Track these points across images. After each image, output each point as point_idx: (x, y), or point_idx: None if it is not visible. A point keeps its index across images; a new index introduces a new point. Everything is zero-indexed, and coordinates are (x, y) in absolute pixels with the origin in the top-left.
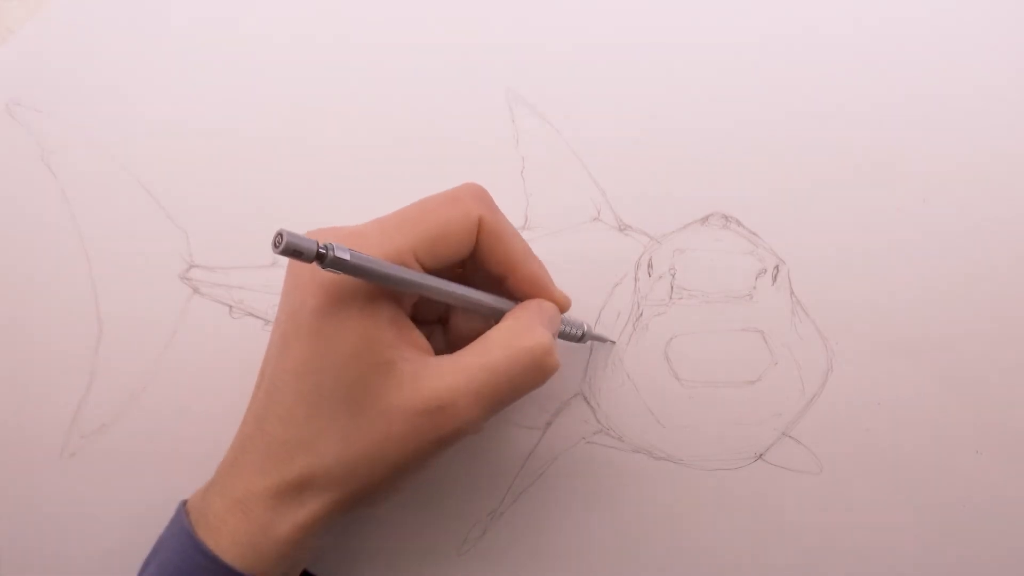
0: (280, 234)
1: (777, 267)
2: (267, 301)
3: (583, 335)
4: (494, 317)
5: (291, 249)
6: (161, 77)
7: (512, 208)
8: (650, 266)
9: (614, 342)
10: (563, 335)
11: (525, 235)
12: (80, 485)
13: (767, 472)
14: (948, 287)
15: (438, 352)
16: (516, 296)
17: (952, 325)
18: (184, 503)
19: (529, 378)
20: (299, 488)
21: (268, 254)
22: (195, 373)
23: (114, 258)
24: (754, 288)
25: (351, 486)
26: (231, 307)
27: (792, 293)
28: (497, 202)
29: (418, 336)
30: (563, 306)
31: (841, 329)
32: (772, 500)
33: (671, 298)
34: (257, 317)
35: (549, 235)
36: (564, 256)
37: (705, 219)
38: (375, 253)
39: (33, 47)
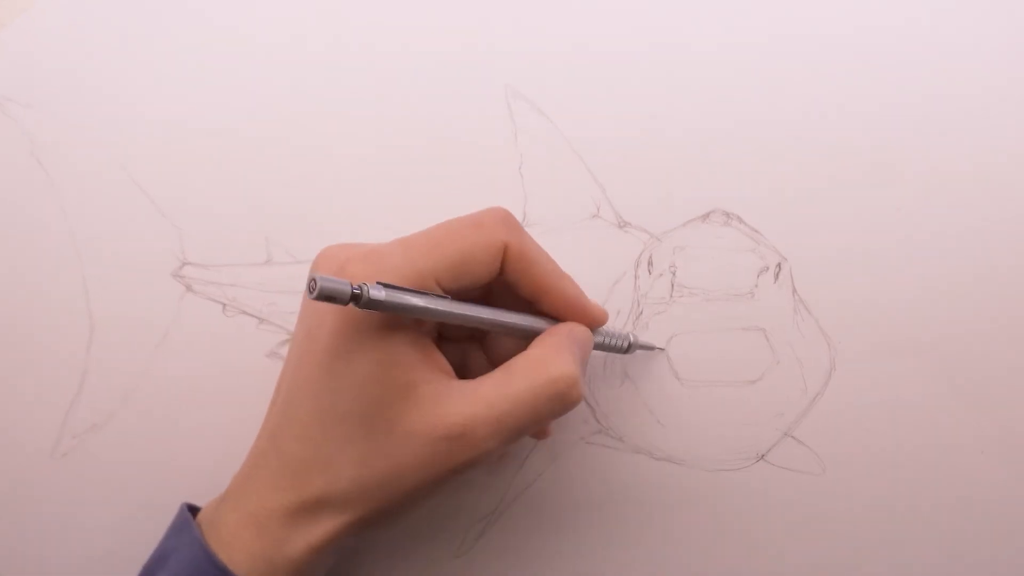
0: (314, 279)
1: (779, 265)
2: (261, 299)
3: (629, 346)
4: (530, 336)
5: (326, 294)
6: (155, 73)
7: (510, 205)
8: (650, 264)
9: (662, 349)
10: (606, 347)
11: None
12: (72, 486)
13: (769, 473)
14: (953, 285)
15: (473, 370)
16: (550, 316)
17: (957, 324)
18: (188, 508)
19: (551, 409)
20: (315, 507)
21: (262, 251)
22: (188, 372)
23: (106, 256)
24: (756, 286)
25: (366, 508)
26: (224, 305)
27: (794, 291)
28: (495, 199)
29: (440, 358)
30: (599, 321)
31: (844, 328)
32: (774, 501)
33: (671, 296)
34: (251, 315)
35: (548, 232)
36: (563, 254)
37: (706, 216)
38: (397, 276)
39: (25, 42)
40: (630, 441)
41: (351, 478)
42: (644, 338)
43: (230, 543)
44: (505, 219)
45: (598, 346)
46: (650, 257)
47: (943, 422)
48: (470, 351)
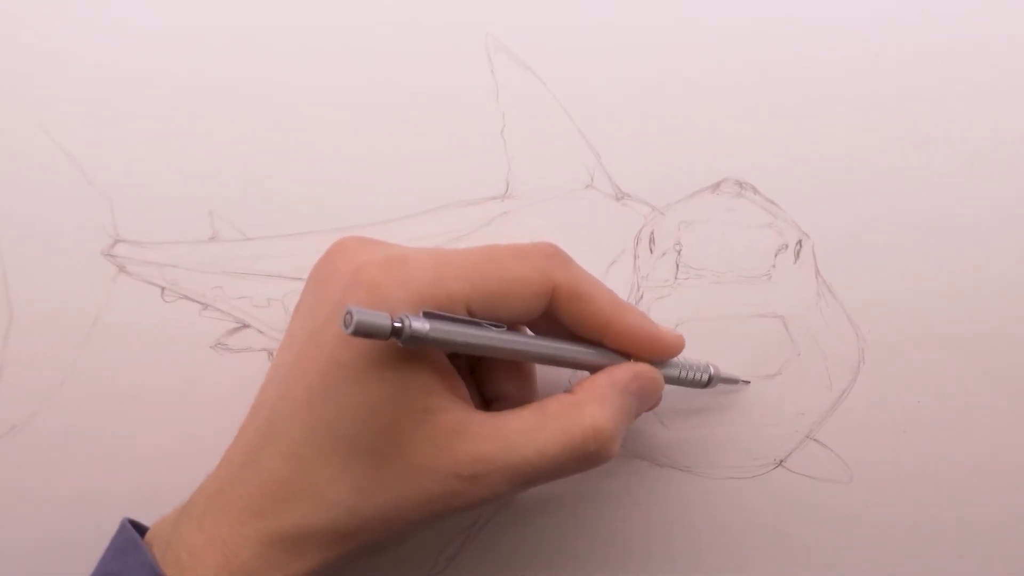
0: (349, 313)
1: (800, 242)
2: (204, 281)
3: (710, 379)
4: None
5: (363, 330)
6: (82, 22)
7: (491, 174)
8: (652, 241)
9: (748, 382)
10: (680, 381)
11: (505, 205)
12: None
13: (788, 481)
14: (1000, 268)
15: (497, 391)
16: (618, 352)
17: (1003, 312)
18: (130, 524)
19: (576, 466)
20: (296, 538)
21: (206, 226)
22: (121, 366)
23: (25, 231)
24: (773, 267)
25: (358, 542)
26: (163, 289)
27: (817, 272)
28: (472, 166)
29: (460, 384)
30: (672, 352)
31: (874, 315)
32: (794, 513)
33: (676, 278)
34: (193, 301)
35: (534, 205)
36: (552, 230)
37: (716, 186)
38: (426, 296)
39: None
40: (629, 445)
41: (347, 509)
42: (727, 370)
43: (191, 568)
44: (554, 254)
45: (672, 380)
46: (652, 233)
47: (986, 423)
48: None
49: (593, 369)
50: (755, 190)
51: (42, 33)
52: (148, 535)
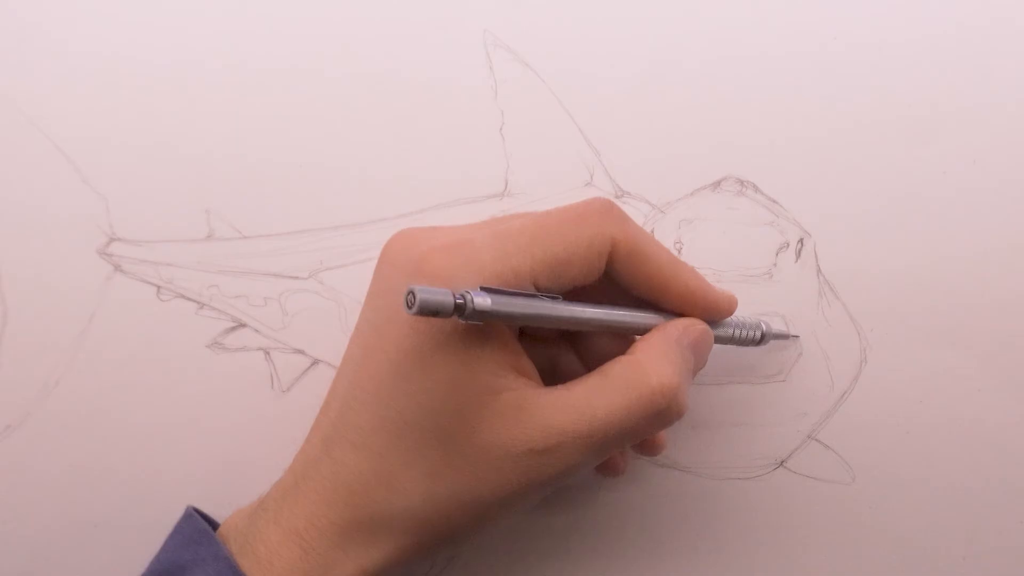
0: (412, 292)
1: (801, 241)
2: (201, 280)
3: (763, 336)
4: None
5: (429, 309)
6: (79, 18)
7: (490, 172)
8: None
9: (797, 336)
10: (734, 340)
11: (504, 204)
12: None
13: (790, 482)
14: (1001, 266)
15: (564, 375)
16: (668, 312)
17: (1007, 309)
18: (195, 513)
19: (648, 425)
20: (372, 528)
21: (202, 225)
22: (117, 365)
23: (20, 229)
24: (774, 265)
25: (434, 529)
26: (159, 288)
27: (819, 271)
28: (471, 164)
29: (527, 363)
30: (727, 312)
31: (877, 313)
32: (796, 514)
33: None
34: (189, 300)
35: (533, 203)
36: None
37: (717, 184)
38: (491, 275)
39: None
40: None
41: (421, 495)
42: (778, 325)
43: (269, 563)
44: (609, 210)
45: (723, 340)
46: (652, 232)
47: (992, 423)
48: (560, 353)
49: (644, 331)
50: (756, 188)
51: (37, 30)
52: (223, 527)
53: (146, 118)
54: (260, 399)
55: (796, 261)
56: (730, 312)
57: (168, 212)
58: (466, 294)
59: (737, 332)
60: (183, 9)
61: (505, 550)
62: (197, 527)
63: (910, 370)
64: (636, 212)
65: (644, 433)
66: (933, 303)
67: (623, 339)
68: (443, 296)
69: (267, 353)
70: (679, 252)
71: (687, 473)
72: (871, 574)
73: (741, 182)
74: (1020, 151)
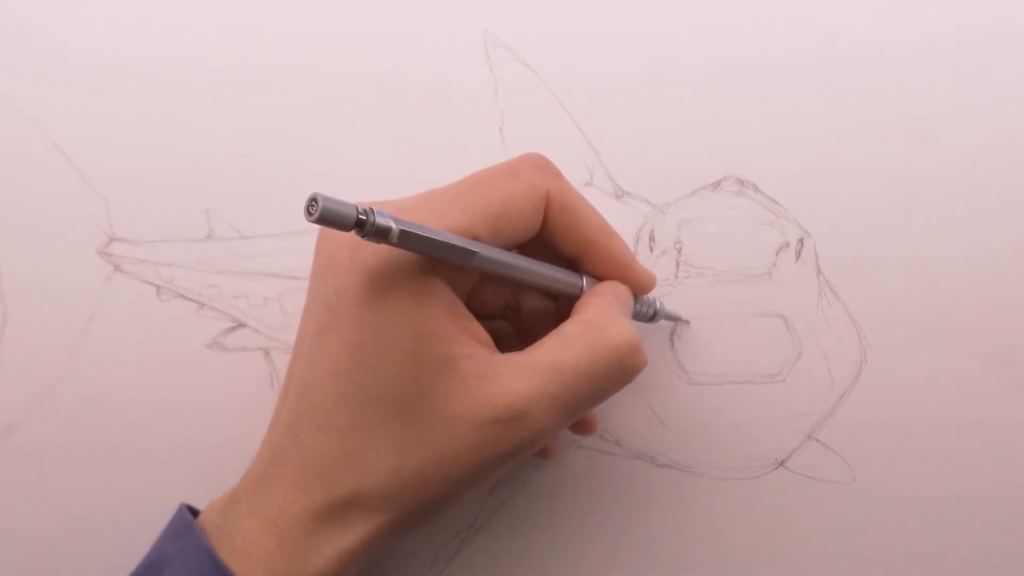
0: (314, 199)
1: (801, 240)
2: (200, 280)
3: (655, 313)
4: (566, 300)
5: (327, 216)
6: (79, 18)
7: None
8: (652, 239)
9: (687, 322)
10: (636, 314)
11: None
12: None
13: (789, 481)
14: (1001, 266)
15: (504, 349)
16: (593, 276)
17: (1007, 309)
18: (187, 510)
19: (613, 380)
20: (345, 509)
21: (202, 225)
22: (117, 364)
23: (20, 229)
24: (774, 265)
25: (405, 505)
26: (159, 288)
27: (819, 271)
28: (471, 163)
29: (479, 328)
30: (648, 286)
31: (877, 313)
32: (796, 514)
33: (676, 277)
34: (189, 300)
35: None
36: None
37: (717, 184)
38: None
39: None
40: (628, 445)
41: (388, 471)
42: (671, 307)
43: (246, 553)
44: (543, 164)
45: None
46: (652, 232)
47: (993, 423)
48: (501, 328)
49: (569, 292)
50: (756, 188)
51: (37, 30)
52: (201, 518)
53: (146, 118)
54: (260, 399)
55: (796, 261)
56: (650, 288)
57: (168, 212)
58: (369, 210)
59: (639, 307)
60: (183, 9)
61: (506, 550)
62: (183, 520)
63: (910, 370)
64: (636, 212)
65: (610, 390)
66: (933, 303)
67: (556, 315)
68: (347, 208)
69: (267, 353)
70: (679, 252)
71: (687, 473)
72: (871, 574)
73: (741, 182)
74: (1020, 151)
